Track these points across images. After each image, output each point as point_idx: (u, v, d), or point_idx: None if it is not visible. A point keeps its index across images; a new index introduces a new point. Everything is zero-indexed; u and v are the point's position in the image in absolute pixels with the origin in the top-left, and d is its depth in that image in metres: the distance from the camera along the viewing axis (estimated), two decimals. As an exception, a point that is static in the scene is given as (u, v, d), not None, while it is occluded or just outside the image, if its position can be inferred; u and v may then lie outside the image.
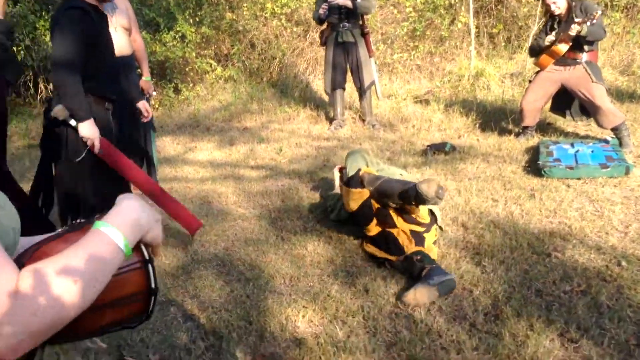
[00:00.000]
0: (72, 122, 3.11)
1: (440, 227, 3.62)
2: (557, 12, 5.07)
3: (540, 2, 5.63)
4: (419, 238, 3.31)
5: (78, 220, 1.05)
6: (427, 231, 3.37)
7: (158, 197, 3.48)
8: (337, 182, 4.12)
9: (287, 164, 5.55)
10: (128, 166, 3.37)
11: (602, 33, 4.86)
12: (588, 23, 4.73)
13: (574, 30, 4.79)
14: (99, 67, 3.18)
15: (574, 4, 4.95)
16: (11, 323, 0.81)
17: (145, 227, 1.00)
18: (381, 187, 3.29)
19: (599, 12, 4.79)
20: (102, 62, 3.21)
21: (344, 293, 3.04)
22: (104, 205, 3.16)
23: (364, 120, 6.81)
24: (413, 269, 3.08)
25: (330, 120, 6.98)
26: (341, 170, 4.13)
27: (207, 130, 7.21)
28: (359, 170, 3.47)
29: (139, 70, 4.76)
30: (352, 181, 3.41)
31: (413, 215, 3.33)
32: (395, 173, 3.77)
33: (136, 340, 2.75)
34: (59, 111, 3.06)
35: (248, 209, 4.40)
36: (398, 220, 3.35)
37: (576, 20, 4.81)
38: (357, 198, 3.36)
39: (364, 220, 3.42)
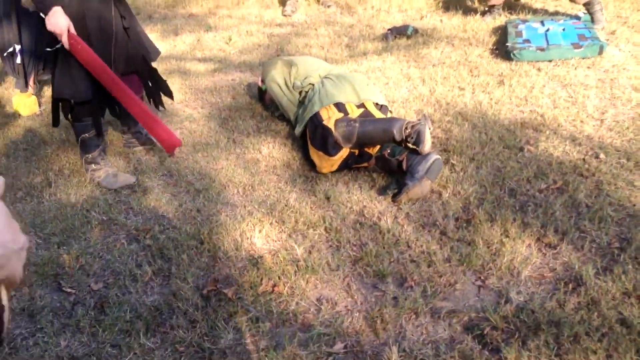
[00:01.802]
0: (42, 14, 2.64)
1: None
2: None
3: None
4: None
5: None
6: None
7: (133, 106, 2.84)
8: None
9: (237, 55, 5.10)
10: (101, 68, 2.78)
11: None
12: None
13: None
14: None
15: None
16: None
17: None
18: (361, 139, 2.86)
19: None
20: None
21: (303, 202, 2.79)
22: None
23: (318, 1, 6.29)
24: (390, 166, 2.85)
25: (283, 3, 6.43)
26: (263, 82, 3.71)
27: (149, 19, 6.59)
28: (329, 129, 2.94)
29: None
30: (328, 147, 2.90)
31: None
32: (319, 67, 3.43)
33: (75, 268, 2.47)
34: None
35: (196, 109, 4.02)
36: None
37: None
38: (337, 159, 2.94)
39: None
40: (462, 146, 3.10)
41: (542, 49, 4.09)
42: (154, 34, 5.91)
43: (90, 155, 3.11)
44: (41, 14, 2.66)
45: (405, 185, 2.69)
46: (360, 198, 2.77)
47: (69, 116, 3.01)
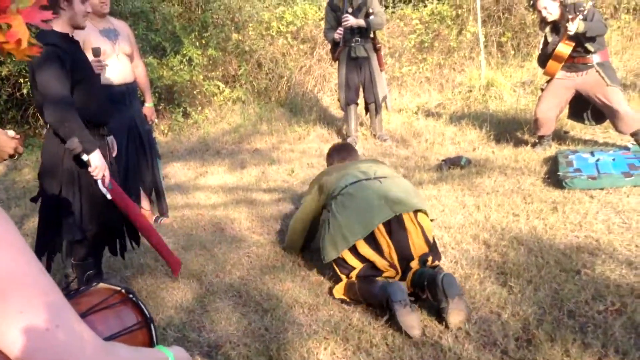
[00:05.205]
0: (84, 157, 3.02)
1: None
2: (550, 19, 5.03)
3: (534, 11, 5.64)
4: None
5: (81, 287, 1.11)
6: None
7: (148, 232, 3.44)
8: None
9: (299, 185, 5.45)
10: (126, 200, 3.31)
11: (602, 27, 4.79)
12: (580, 16, 4.67)
13: (570, 27, 4.70)
14: (88, 95, 3.11)
15: (566, 8, 4.84)
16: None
17: None
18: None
19: (590, 3, 4.78)
20: (90, 89, 3.13)
21: (366, 321, 2.92)
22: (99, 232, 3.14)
23: (375, 136, 6.71)
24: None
25: (342, 138, 6.89)
26: None
27: (217, 154, 7.13)
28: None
29: (141, 96, 4.75)
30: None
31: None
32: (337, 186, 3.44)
33: (152, 382, 2.63)
34: (75, 144, 2.95)
35: (262, 235, 4.29)
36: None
37: (569, 17, 4.72)
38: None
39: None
40: (519, 269, 3.21)
41: (594, 178, 4.25)
42: (222, 168, 6.40)
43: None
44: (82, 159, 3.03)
45: (442, 310, 2.78)
46: (422, 318, 2.88)
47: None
